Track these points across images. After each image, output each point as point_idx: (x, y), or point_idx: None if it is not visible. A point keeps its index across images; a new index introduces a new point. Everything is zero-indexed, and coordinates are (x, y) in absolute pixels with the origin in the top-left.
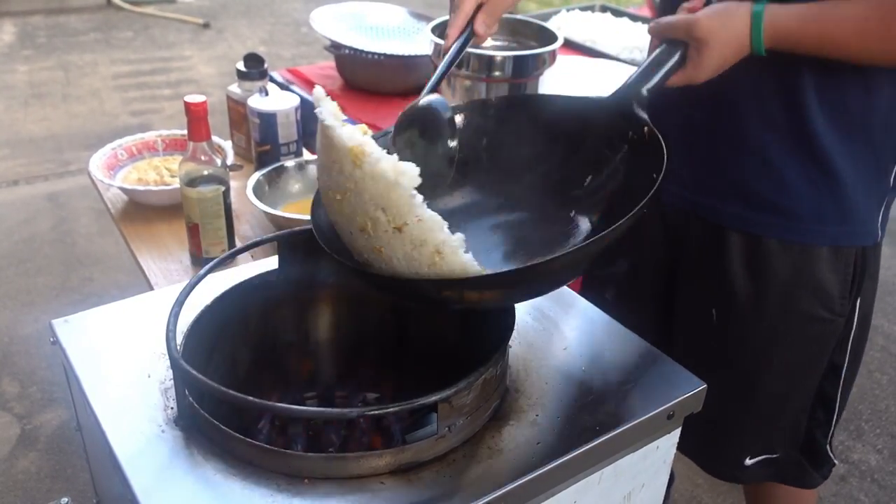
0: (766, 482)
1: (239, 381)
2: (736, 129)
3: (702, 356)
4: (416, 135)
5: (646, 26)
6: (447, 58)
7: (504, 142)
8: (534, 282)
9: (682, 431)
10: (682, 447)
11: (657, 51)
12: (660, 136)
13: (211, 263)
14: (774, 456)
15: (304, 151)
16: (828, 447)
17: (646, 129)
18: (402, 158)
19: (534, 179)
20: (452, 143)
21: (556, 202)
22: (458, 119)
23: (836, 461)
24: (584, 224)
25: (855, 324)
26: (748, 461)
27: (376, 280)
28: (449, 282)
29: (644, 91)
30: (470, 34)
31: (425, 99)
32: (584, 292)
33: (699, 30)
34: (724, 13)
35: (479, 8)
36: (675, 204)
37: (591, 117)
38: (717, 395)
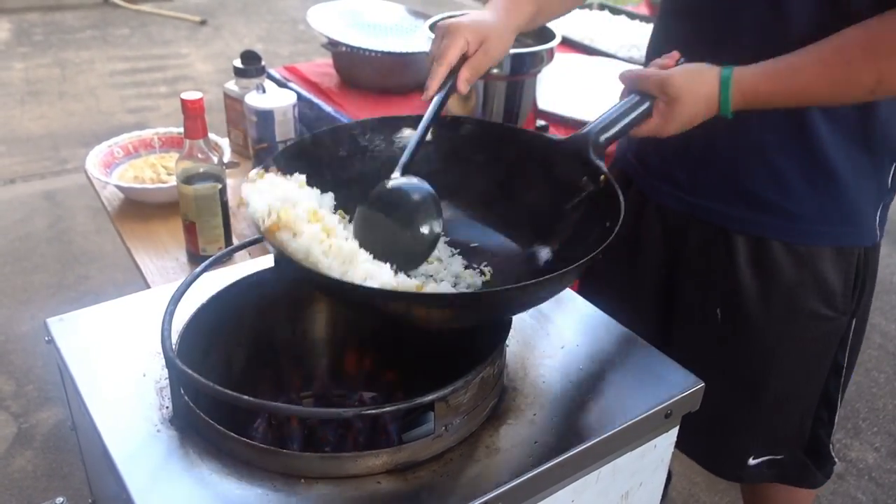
0: (766, 482)
1: (235, 380)
2: (736, 131)
3: (704, 356)
4: (389, 213)
5: (644, 24)
6: (424, 122)
7: (469, 164)
8: (481, 308)
9: (684, 431)
10: (685, 447)
11: (626, 100)
12: (616, 187)
13: (207, 261)
14: (779, 457)
15: None
16: (830, 446)
17: (602, 177)
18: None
19: (497, 208)
20: (437, 229)
21: (516, 233)
22: (428, 136)
23: (836, 459)
24: (544, 255)
25: (855, 322)
26: (751, 461)
27: (326, 283)
28: (397, 294)
29: (602, 139)
30: (451, 90)
31: (410, 184)
32: (581, 290)
33: (671, 87)
34: (696, 73)
35: (462, 61)
36: (673, 206)
37: (550, 158)
38: (720, 394)
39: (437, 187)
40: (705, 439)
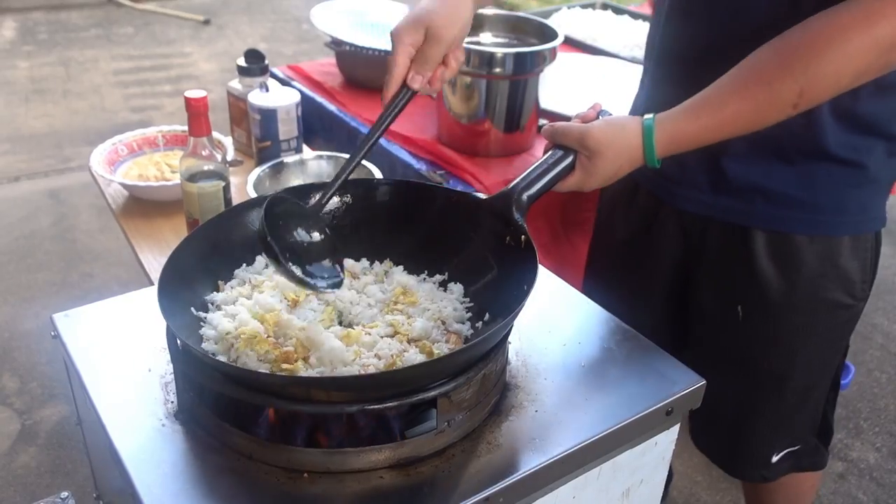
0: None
1: None
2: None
3: (725, 357)
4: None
5: (646, 24)
6: (373, 131)
7: (393, 225)
8: (384, 387)
9: (707, 436)
10: (708, 452)
11: (547, 155)
12: (535, 248)
13: None
14: (796, 448)
15: (305, 147)
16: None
17: (523, 237)
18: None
19: (418, 262)
20: (322, 235)
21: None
22: (346, 198)
23: (833, 429)
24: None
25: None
26: (775, 458)
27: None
28: (292, 379)
29: (525, 197)
30: (408, 93)
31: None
32: (587, 292)
33: (591, 140)
34: (617, 125)
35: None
36: (693, 209)
37: (474, 216)
38: (743, 394)
39: (360, 246)
40: (731, 443)
